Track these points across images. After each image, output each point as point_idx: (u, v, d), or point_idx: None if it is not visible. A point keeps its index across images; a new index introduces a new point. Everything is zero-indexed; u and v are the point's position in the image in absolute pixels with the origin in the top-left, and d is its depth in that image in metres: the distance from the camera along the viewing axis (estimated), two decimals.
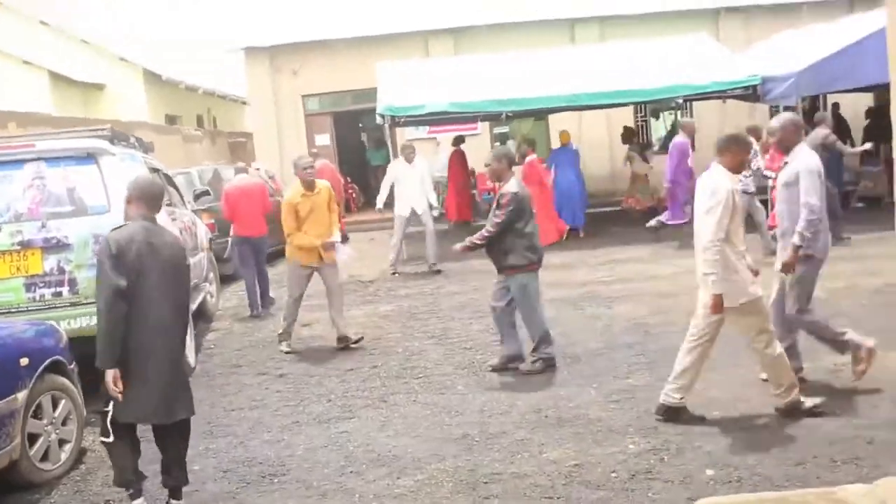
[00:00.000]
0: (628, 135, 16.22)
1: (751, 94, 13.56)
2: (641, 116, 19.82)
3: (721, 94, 14.29)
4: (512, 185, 7.03)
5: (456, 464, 5.24)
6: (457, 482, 4.97)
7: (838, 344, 5.99)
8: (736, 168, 5.51)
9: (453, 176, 16.57)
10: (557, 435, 5.58)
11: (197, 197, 10.70)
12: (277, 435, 6.08)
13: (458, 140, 16.82)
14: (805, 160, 5.89)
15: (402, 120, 13.58)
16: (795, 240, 5.77)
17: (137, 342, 4.54)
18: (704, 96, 14.43)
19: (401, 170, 12.13)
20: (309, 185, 8.24)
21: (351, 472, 5.28)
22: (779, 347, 5.50)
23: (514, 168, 7.28)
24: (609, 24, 19.10)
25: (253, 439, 6.04)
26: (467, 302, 10.06)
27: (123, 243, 4.53)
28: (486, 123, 19.13)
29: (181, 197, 10.01)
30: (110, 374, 4.52)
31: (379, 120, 13.72)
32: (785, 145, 6.09)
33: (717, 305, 5.33)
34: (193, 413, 4.93)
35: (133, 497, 4.81)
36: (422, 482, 5.02)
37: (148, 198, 4.81)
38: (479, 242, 7.09)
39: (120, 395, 4.55)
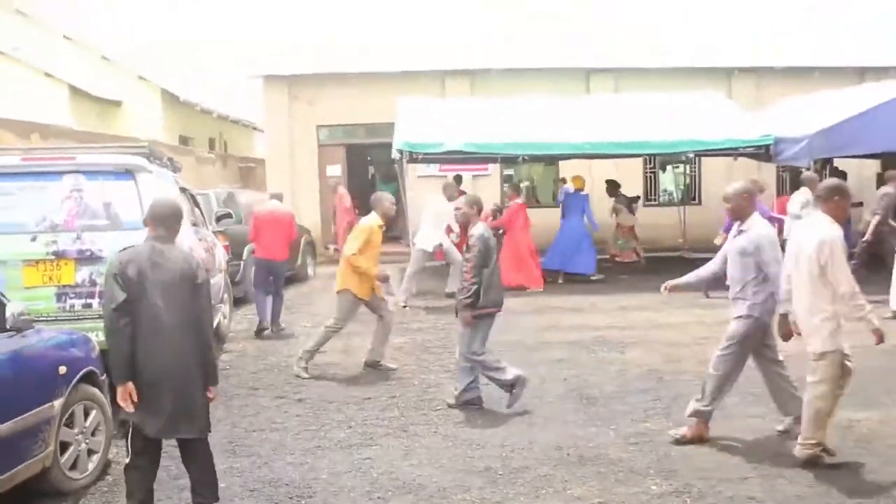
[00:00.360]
0: (612, 188, 16.33)
1: (763, 153, 13.84)
2: (650, 168, 20.09)
3: (733, 152, 14.57)
4: (479, 229, 7.23)
5: (482, 495, 5.34)
6: None
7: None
8: (840, 217, 5.59)
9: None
10: (580, 473, 5.67)
11: (219, 219, 10.88)
12: (300, 458, 6.15)
13: (457, 180, 17.15)
14: (764, 230, 6.03)
15: (420, 156, 13.77)
16: (781, 309, 5.88)
17: (146, 358, 4.65)
18: (717, 153, 14.71)
19: (440, 206, 12.42)
20: (389, 221, 8.68)
21: (378, 497, 5.37)
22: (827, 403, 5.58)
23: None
24: (624, 76, 19.42)
25: (276, 461, 6.11)
26: (495, 340, 10.15)
27: (124, 262, 4.68)
28: (497, 165, 19.36)
29: (204, 218, 10.16)
30: (122, 389, 4.64)
31: (396, 155, 13.91)
32: (738, 214, 6.16)
33: (881, 336, 5.42)
34: (204, 434, 4.95)
35: None
36: None
37: (160, 219, 4.93)
38: (469, 299, 7.07)
39: (131, 408, 4.66)
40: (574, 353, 9.19)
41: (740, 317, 6.07)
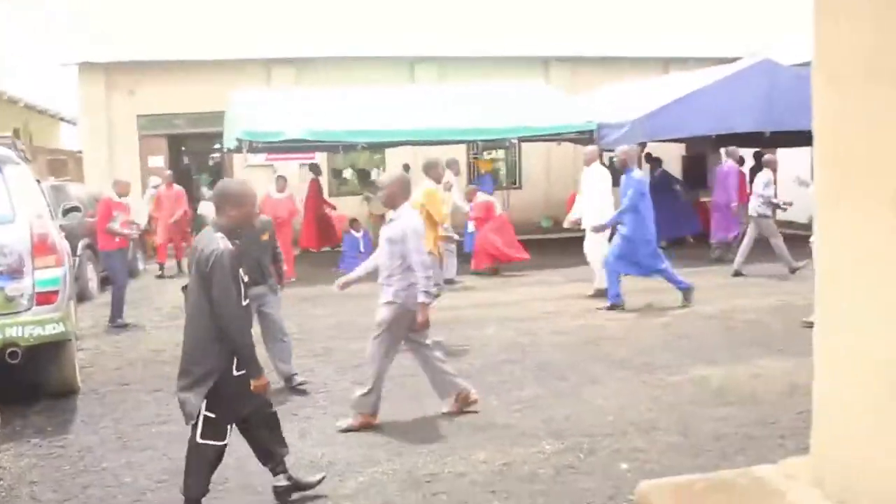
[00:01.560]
0: (363, 177, 16.56)
1: (587, 138, 14.76)
2: (474, 154, 20.84)
3: (557, 137, 15.46)
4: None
5: (392, 467, 5.60)
6: (400, 482, 5.33)
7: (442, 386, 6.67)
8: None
9: (311, 204, 16.98)
10: (477, 439, 6.06)
11: (66, 212, 10.42)
12: None
13: (316, 169, 17.37)
14: (411, 222, 6.29)
15: (259, 145, 13.72)
16: (423, 298, 6.25)
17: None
18: (542, 138, 15.56)
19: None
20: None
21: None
22: None
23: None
24: (447, 64, 20.03)
25: (175, 452, 6.00)
26: (339, 323, 10.39)
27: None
28: (324, 154, 19.45)
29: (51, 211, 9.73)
30: (263, 381, 4.72)
31: (233, 144, 13.81)
32: (392, 202, 6.37)
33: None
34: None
35: None
36: (366, 483, 5.34)
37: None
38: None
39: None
40: (435, 333, 9.56)
41: (387, 303, 6.33)
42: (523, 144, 19.13)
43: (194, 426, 4.67)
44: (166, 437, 6.40)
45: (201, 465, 4.74)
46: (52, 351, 7.21)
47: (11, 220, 6.86)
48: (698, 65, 20.33)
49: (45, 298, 6.95)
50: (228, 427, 4.78)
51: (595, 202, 11.19)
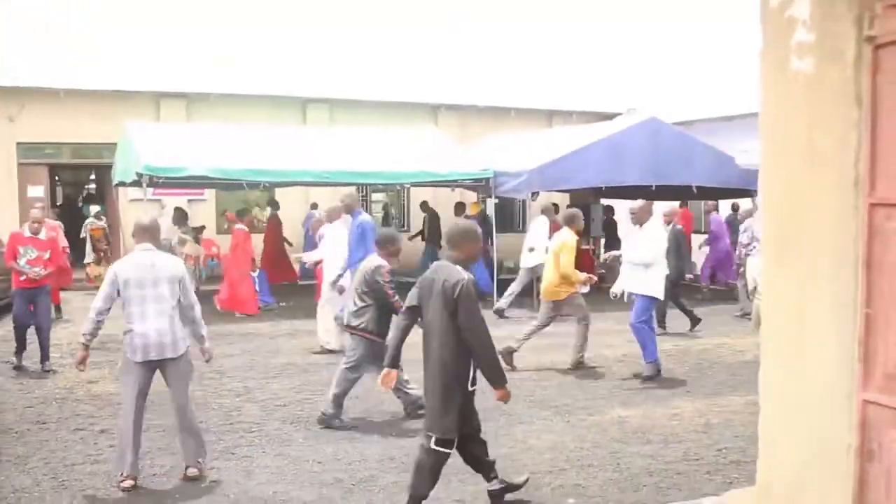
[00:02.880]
0: (180, 216, 16.59)
1: (483, 185, 15.29)
2: (362, 196, 21.06)
3: (454, 183, 15.91)
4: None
5: None
6: None
7: None
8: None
9: (271, 239, 17.56)
10: None
11: None
12: (141, 487, 6.07)
13: (275, 205, 17.82)
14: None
15: (161, 180, 13.52)
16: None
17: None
18: (439, 183, 15.97)
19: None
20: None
21: None
22: None
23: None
24: (338, 106, 20.25)
25: (116, 492, 6.00)
26: (248, 363, 10.36)
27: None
28: (213, 191, 19.24)
29: None
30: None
31: (133, 177, 13.58)
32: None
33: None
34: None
35: None
36: None
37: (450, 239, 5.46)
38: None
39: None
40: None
41: None
42: (411, 190, 19.55)
43: (428, 437, 5.27)
44: (104, 478, 6.29)
45: (430, 469, 5.30)
46: None
47: None
48: (580, 118, 21.46)
49: None
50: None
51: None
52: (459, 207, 17.86)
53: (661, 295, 9.55)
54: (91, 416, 8.00)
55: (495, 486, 5.67)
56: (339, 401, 7.63)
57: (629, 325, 9.48)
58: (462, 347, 5.14)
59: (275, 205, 18.04)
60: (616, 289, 9.83)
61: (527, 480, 5.87)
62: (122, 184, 15.42)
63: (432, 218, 18.43)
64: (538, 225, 13.81)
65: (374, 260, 7.65)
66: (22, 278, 9.95)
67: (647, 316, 9.42)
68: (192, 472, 6.20)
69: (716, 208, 16.77)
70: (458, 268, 5.21)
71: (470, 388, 5.26)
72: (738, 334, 12.02)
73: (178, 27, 20.11)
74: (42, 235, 10.07)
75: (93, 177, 25.15)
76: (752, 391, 8.55)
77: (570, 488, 6.03)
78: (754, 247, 13.37)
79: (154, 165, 13.20)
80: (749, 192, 15.01)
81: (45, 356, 9.98)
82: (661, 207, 12.20)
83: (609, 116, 20.86)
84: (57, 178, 23.15)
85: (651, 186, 14.90)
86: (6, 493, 6.00)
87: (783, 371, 4.62)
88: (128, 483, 6.04)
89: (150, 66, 19.00)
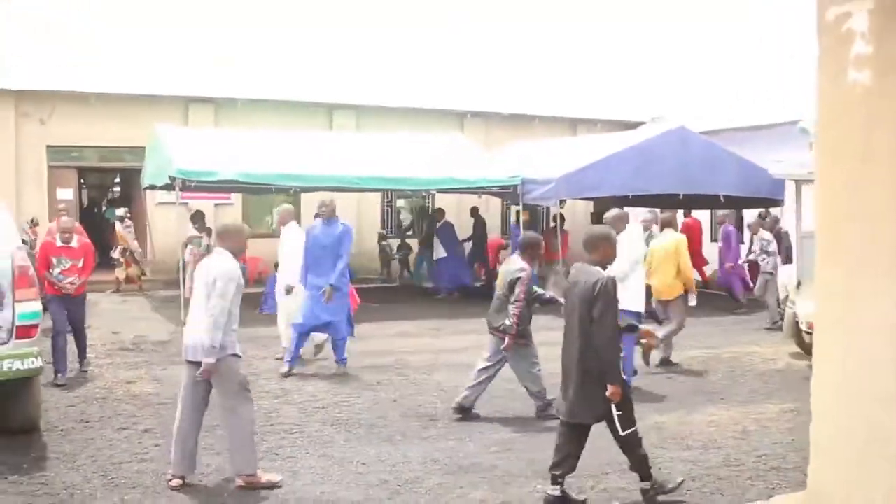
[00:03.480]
0: (198, 217, 16.71)
1: (510, 192, 15.37)
2: (388, 202, 21.20)
3: (481, 190, 16.00)
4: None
5: None
6: None
7: None
8: None
9: None
10: (468, 479, 6.31)
11: None
12: (190, 486, 6.18)
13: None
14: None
15: (193, 184, 13.66)
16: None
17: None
18: (467, 190, 16.06)
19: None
20: None
21: None
22: None
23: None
24: (364, 112, 20.39)
25: (167, 490, 6.07)
26: (281, 365, 10.43)
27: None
28: (240, 196, 19.41)
29: None
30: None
31: (165, 181, 13.73)
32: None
33: None
34: (584, 420, 5.85)
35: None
36: None
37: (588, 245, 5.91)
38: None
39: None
40: (387, 377, 9.81)
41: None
42: (436, 196, 19.63)
43: (613, 427, 5.78)
44: (152, 476, 6.38)
45: (636, 449, 5.83)
46: (18, 386, 7.07)
47: None
48: (605, 126, 21.50)
49: (24, 332, 6.86)
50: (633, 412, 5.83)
51: None
52: (473, 211, 18.17)
53: (640, 307, 9.09)
54: (133, 415, 8.11)
55: (556, 491, 5.83)
56: (540, 393, 8.02)
57: None
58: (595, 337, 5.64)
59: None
60: None
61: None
62: (153, 187, 15.60)
63: (480, 225, 18.54)
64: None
65: (517, 263, 7.88)
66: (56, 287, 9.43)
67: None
68: (238, 482, 6.16)
69: (728, 219, 16.12)
70: (597, 268, 5.74)
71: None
72: (767, 343, 12.02)
73: (208, 32, 20.29)
74: (74, 243, 9.55)
75: (117, 180, 25.36)
76: (786, 399, 8.68)
77: (613, 492, 6.09)
78: (763, 258, 13.44)
79: (186, 169, 13.35)
80: (776, 202, 15.03)
81: (82, 356, 9.91)
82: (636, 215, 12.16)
83: (633, 125, 20.91)
84: (83, 181, 23.37)
85: (679, 195, 14.95)
86: (58, 489, 6.11)
87: (837, 375, 4.66)
88: (175, 482, 6.14)
89: (180, 71, 19.19)
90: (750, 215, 15.82)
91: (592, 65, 22.68)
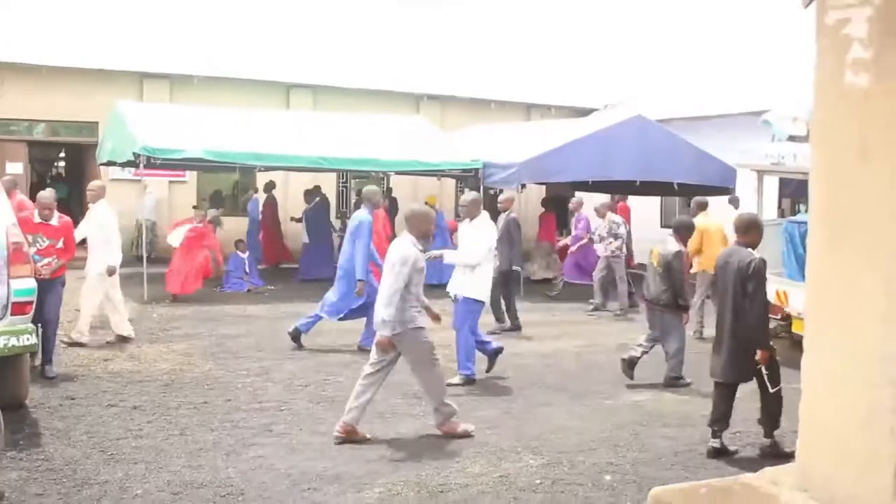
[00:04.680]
0: (216, 197, 17.23)
1: (471, 175, 15.58)
2: (343, 183, 21.23)
3: (441, 173, 16.18)
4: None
5: (399, 479, 5.99)
6: (416, 493, 5.75)
7: None
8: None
9: (267, 221, 17.81)
10: (466, 454, 6.54)
11: None
12: (192, 461, 6.27)
13: (271, 186, 18.02)
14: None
15: (159, 161, 13.56)
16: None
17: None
18: (427, 173, 16.23)
19: None
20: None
21: (308, 488, 5.79)
22: None
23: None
24: (321, 92, 20.33)
25: (170, 465, 6.16)
26: (255, 344, 10.53)
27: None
28: (194, 173, 19.25)
29: None
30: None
31: (130, 157, 13.61)
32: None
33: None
34: (736, 381, 6.68)
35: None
36: (385, 493, 5.72)
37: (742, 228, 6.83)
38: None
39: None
40: (363, 356, 9.90)
41: None
42: (391, 177, 19.72)
43: (763, 385, 6.63)
44: (152, 451, 6.47)
45: (777, 406, 6.62)
46: (7, 361, 7.06)
47: None
48: (558, 112, 21.85)
49: (20, 308, 6.87)
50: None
51: None
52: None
53: (485, 298, 9.04)
54: (118, 392, 8.13)
55: (716, 444, 6.67)
56: (678, 366, 8.88)
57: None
58: (749, 312, 6.47)
59: (272, 186, 18.16)
60: (449, 288, 9.20)
61: (735, 451, 6.76)
62: (112, 163, 15.40)
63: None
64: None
65: (673, 245, 8.69)
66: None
67: (471, 321, 8.89)
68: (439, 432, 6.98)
69: (580, 207, 15.76)
70: (749, 250, 6.61)
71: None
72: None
73: (164, 6, 20.00)
74: (54, 221, 8.79)
75: (62, 155, 24.87)
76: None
77: (603, 466, 6.39)
78: (610, 241, 13.70)
79: (152, 146, 13.24)
80: (727, 190, 15.52)
81: (47, 357, 8.61)
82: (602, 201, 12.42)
83: (586, 112, 21.31)
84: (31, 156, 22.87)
85: (636, 182, 15.35)
86: (58, 464, 6.16)
87: (827, 356, 4.99)
88: (343, 431, 6.77)
89: (135, 46, 18.88)
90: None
91: (547, 50, 22.95)
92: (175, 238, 13.75)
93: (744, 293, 6.46)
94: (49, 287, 8.36)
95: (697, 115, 18.15)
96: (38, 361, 8.59)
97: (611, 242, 13.72)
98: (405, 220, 7.04)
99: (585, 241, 15.10)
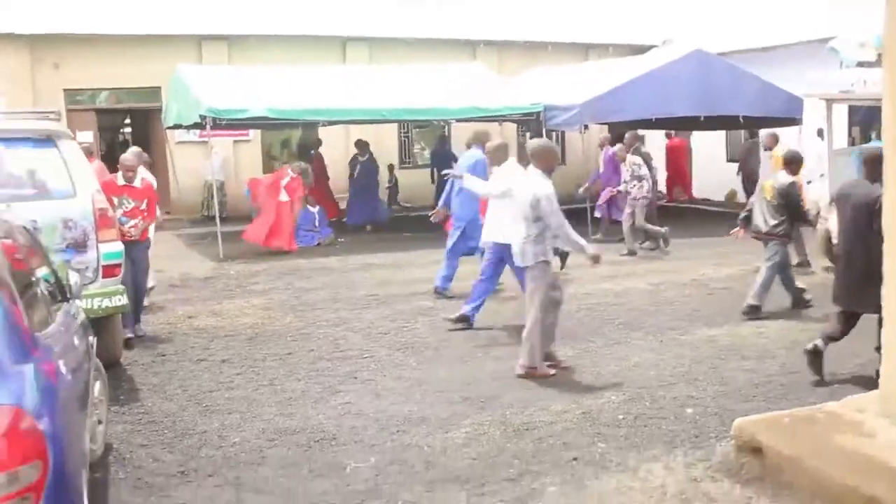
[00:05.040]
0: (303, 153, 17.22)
1: (532, 119, 15.53)
2: (404, 133, 21.33)
3: (502, 118, 16.15)
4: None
5: (484, 419, 6.15)
6: (501, 431, 5.89)
7: None
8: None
9: (319, 177, 17.57)
10: (544, 393, 6.67)
11: None
12: (283, 409, 6.50)
13: (318, 143, 18.20)
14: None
15: (224, 122, 13.81)
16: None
17: None
18: (488, 118, 16.18)
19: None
20: None
21: (396, 431, 5.97)
22: None
23: None
24: (377, 45, 20.36)
25: (262, 414, 6.40)
26: (332, 296, 10.75)
27: None
28: (258, 132, 19.53)
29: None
30: None
31: (196, 119, 13.89)
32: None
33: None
34: (861, 310, 6.61)
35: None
36: (472, 433, 5.88)
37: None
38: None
39: None
40: (439, 302, 10.12)
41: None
42: (452, 125, 19.74)
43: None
44: (244, 402, 6.71)
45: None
46: (102, 322, 7.35)
47: (73, 195, 7.00)
48: (616, 51, 21.53)
49: (110, 271, 7.15)
50: None
51: None
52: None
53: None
54: (205, 347, 8.42)
55: (819, 345, 6.82)
56: (763, 295, 8.99)
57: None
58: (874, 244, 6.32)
59: (318, 144, 18.34)
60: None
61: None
62: (178, 126, 15.70)
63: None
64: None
65: (787, 178, 8.91)
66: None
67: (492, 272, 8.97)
68: (518, 371, 7.15)
69: (609, 142, 15.70)
70: (877, 185, 6.30)
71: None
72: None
73: None
74: (137, 183, 8.65)
75: (128, 121, 25.36)
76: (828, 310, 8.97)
77: (684, 399, 6.46)
78: (634, 184, 13.03)
79: (217, 108, 13.47)
80: (794, 121, 15.23)
81: (136, 318, 8.76)
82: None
83: (644, 49, 20.96)
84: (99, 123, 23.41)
85: (699, 117, 15.15)
86: (158, 417, 6.45)
87: None
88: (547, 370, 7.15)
89: (192, 10, 19.07)
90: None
91: None
92: (280, 193, 14.03)
93: (868, 225, 6.27)
94: (136, 249, 8.44)
95: (760, 46, 17.73)
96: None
97: (634, 186, 13.05)
98: (531, 154, 7.20)
99: (611, 194, 14.79)
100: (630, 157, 13.26)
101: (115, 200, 8.28)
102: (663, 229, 13.38)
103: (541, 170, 7.09)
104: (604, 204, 15.08)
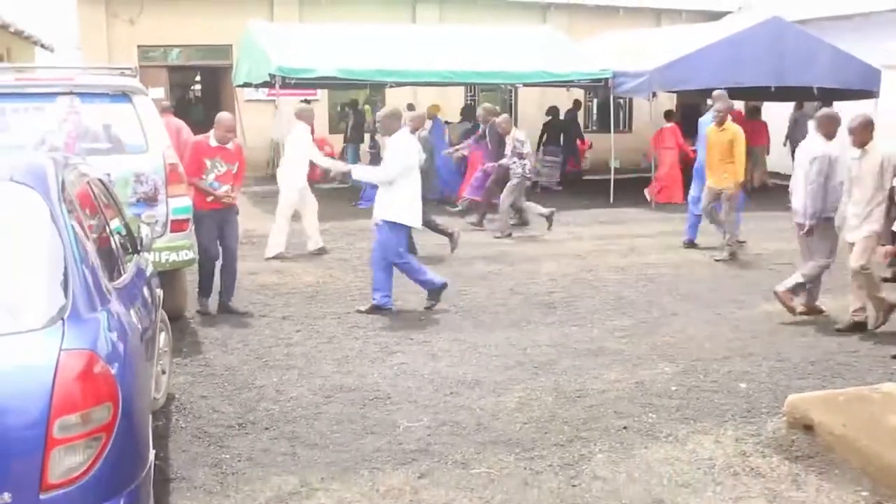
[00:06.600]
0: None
1: (602, 85, 15.38)
2: (471, 96, 21.29)
3: (572, 83, 16.02)
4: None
5: (537, 385, 6.23)
6: (554, 398, 5.96)
7: None
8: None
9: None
10: (599, 362, 6.72)
11: None
12: (340, 367, 6.64)
13: (355, 104, 18.22)
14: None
15: (293, 81, 13.97)
16: None
17: None
18: (555, 84, 16.10)
19: None
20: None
21: (450, 392, 6.08)
22: None
23: None
24: (447, 5, 20.31)
25: (320, 371, 6.55)
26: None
27: None
28: (326, 91, 19.70)
29: None
30: None
31: (266, 78, 14.06)
32: None
33: None
34: None
35: None
36: (525, 398, 5.96)
37: None
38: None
39: None
40: (498, 267, 10.21)
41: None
42: (519, 90, 19.65)
43: None
44: (302, 358, 6.88)
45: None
46: (168, 276, 7.57)
47: (145, 150, 7.18)
48: (689, 17, 21.12)
49: (178, 226, 7.34)
50: None
51: None
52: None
53: (407, 220, 8.22)
54: (266, 304, 8.62)
55: None
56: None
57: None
58: None
59: (354, 104, 18.45)
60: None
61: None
62: (248, 84, 15.92)
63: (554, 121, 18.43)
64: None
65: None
66: (209, 199, 7.85)
67: (395, 249, 8.19)
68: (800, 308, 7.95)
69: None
70: None
71: None
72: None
73: None
74: (230, 146, 7.95)
75: (198, 79, 25.77)
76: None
77: (738, 374, 6.45)
78: (514, 161, 12.04)
79: (286, 66, 13.63)
80: (871, 94, 14.80)
81: (229, 289, 8.29)
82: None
83: (719, 15, 20.52)
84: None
85: (770, 87, 14.82)
86: (219, 370, 6.65)
87: None
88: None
89: None
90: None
91: None
92: None
93: None
94: (227, 216, 8.03)
95: (837, 14, 17.21)
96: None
97: (515, 163, 12.05)
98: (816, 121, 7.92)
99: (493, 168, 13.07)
100: (514, 131, 12.28)
101: (208, 164, 7.82)
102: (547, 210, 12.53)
103: (822, 134, 7.68)
104: None
